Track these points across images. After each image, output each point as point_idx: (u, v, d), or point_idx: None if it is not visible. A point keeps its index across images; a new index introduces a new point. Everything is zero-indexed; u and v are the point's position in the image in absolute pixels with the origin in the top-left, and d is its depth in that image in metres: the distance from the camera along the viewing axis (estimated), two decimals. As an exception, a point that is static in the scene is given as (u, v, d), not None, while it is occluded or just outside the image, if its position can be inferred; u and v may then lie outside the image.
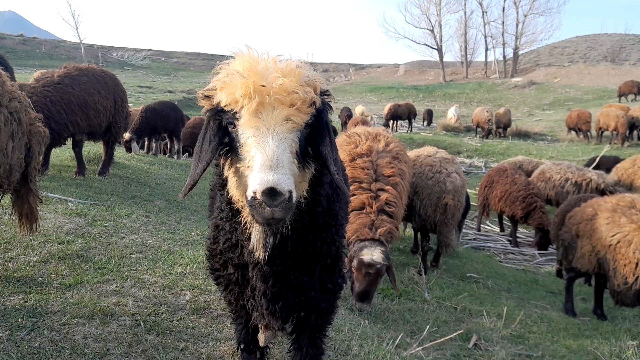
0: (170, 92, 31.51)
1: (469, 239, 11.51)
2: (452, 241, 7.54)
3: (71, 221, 4.85)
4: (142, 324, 3.18)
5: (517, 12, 56.64)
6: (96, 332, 3.01)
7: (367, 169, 5.73)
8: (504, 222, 12.38)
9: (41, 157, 3.52)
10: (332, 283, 2.35)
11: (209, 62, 59.34)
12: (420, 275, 6.86)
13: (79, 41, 47.60)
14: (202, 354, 2.98)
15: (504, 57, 58.03)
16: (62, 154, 8.14)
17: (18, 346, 2.74)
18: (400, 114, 26.10)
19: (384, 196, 5.50)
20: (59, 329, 2.99)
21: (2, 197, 3.35)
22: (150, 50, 58.74)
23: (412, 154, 7.78)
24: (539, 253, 10.86)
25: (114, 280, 3.76)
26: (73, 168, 7.32)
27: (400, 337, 4.27)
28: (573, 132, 25.21)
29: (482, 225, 12.81)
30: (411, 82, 55.26)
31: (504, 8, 57.03)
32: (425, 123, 29.49)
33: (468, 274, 7.78)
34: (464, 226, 11.18)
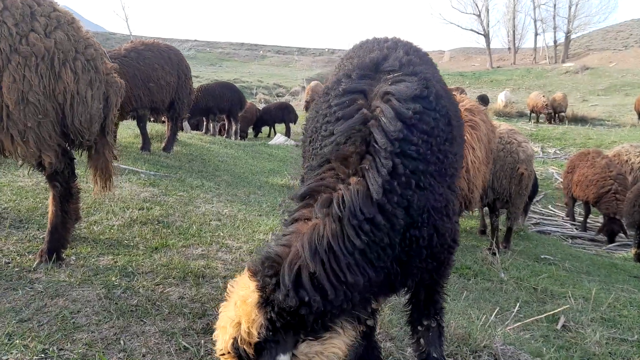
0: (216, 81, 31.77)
1: (532, 223, 11.00)
2: (520, 212, 7.33)
3: (146, 190, 4.78)
4: (236, 286, 3.02)
5: (570, -6, 54.23)
6: (191, 293, 2.88)
7: None
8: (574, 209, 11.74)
9: (117, 110, 3.32)
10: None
11: (252, 52, 59.69)
12: (495, 255, 6.53)
13: (129, 33, 48.70)
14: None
15: (555, 41, 55.76)
16: (125, 132, 8.18)
17: (116, 303, 2.63)
18: (450, 98, 25.30)
19: None
20: (153, 288, 2.88)
21: (84, 150, 3.22)
22: (195, 40, 59.59)
23: None
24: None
25: (198, 244, 3.64)
26: (137, 145, 7.32)
27: (494, 314, 3.99)
28: (635, 117, 23.90)
29: (546, 210, 12.24)
30: (456, 69, 53.92)
31: (555, -10, 54.69)
32: (483, 109, 28.13)
33: (542, 256, 7.38)
34: (530, 209, 10.68)
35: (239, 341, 1.67)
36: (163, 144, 7.37)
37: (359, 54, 2.36)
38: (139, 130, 7.66)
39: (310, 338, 1.71)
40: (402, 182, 1.73)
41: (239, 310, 1.70)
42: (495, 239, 6.96)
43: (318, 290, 1.64)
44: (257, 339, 1.64)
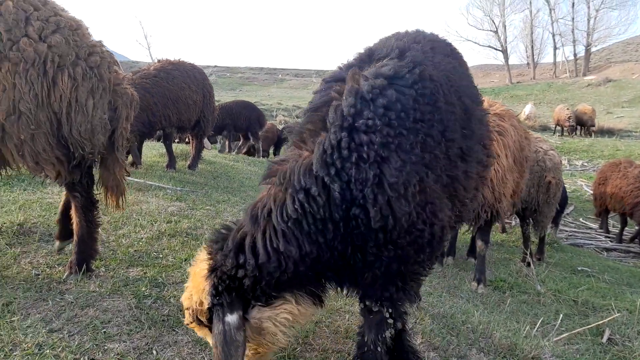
0: (236, 104, 32.10)
1: (565, 237, 10.65)
2: (549, 221, 7.22)
3: (173, 205, 4.73)
4: (269, 295, 2.91)
5: (588, 7, 53.76)
6: (223, 303, 2.77)
7: None
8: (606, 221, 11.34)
9: (129, 124, 3.04)
10: None
11: (271, 76, 60.43)
12: (529, 266, 6.29)
13: (151, 61, 49.89)
14: (339, 326, 2.67)
15: (575, 55, 55.16)
16: (150, 152, 8.22)
17: (147, 313, 2.54)
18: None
19: None
20: (184, 298, 2.78)
21: (87, 164, 2.94)
22: (215, 66, 60.63)
23: None
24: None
25: (228, 255, 3.54)
26: (162, 164, 7.33)
27: (537, 325, 3.78)
28: (663, 128, 23.37)
29: (577, 222, 11.86)
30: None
31: (573, 4, 54.32)
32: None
33: (579, 268, 7.09)
34: (561, 221, 10.35)
35: (193, 312, 1.86)
36: (188, 162, 7.37)
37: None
38: (163, 149, 7.69)
39: (260, 304, 1.83)
40: (344, 155, 1.69)
41: (191, 283, 1.88)
42: (529, 250, 6.73)
43: (253, 254, 1.76)
44: (208, 306, 1.81)
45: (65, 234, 3.21)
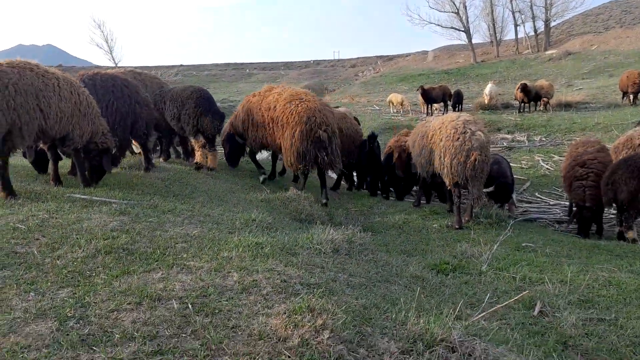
0: (203, 103, 31.93)
1: (519, 213, 11.04)
2: (483, 194, 8.24)
3: (115, 219, 4.84)
4: (190, 306, 3.09)
5: (545, -18, 54.67)
6: (145, 317, 2.94)
7: None
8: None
9: None
10: None
11: (239, 72, 60.03)
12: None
13: (114, 65, 49.12)
14: (253, 330, 2.86)
15: (535, 30, 56.11)
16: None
17: (67, 334, 2.69)
18: (435, 97, 25.49)
19: None
20: (107, 315, 2.94)
21: None
22: (181, 65, 60.01)
23: (437, 121, 8.60)
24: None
25: (159, 268, 3.70)
26: (115, 177, 7.38)
27: (459, 306, 4.03)
28: (618, 98, 24.12)
29: (532, 197, 12.28)
30: (441, 67, 54.18)
31: (530, -20, 55.13)
32: (458, 107, 26.00)
33: (523, 244, 7.42)
34: (512, 202, 10.71)
35: None
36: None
37: None
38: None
39: None
40: None
41: None
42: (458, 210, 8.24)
43: None
44: None
45: None
